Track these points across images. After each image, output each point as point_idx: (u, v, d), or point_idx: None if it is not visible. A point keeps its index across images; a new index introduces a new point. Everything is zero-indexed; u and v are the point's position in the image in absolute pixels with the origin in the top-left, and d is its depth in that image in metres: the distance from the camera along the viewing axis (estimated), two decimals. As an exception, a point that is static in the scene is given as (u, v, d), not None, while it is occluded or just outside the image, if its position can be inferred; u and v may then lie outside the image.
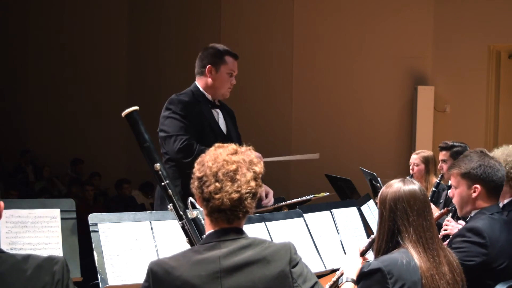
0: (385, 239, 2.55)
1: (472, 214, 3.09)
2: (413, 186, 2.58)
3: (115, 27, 11.08)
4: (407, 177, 2.69)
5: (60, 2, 11.21)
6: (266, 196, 3.94)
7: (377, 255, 2.58)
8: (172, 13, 10.60)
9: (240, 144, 3.93)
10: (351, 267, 2.67)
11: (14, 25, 11.32)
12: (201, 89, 3.97)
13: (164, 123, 3.85)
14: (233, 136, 4.00)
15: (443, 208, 4.67)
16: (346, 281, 2.62)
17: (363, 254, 2.74)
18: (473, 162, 3.06)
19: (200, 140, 3.75)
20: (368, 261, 2.64)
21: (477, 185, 3.03)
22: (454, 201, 3.18)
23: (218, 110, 4.02)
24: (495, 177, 3.03)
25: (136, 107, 2.70)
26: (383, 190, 2.62)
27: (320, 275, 3.29)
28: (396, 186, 2.59)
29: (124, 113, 2.67)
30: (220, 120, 4.01)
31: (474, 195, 3.04)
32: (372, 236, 2.74)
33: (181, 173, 3.73)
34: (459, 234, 2.99)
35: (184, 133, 3.76)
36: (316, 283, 2.12)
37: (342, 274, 2.70)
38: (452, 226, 3.64)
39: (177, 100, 3.89)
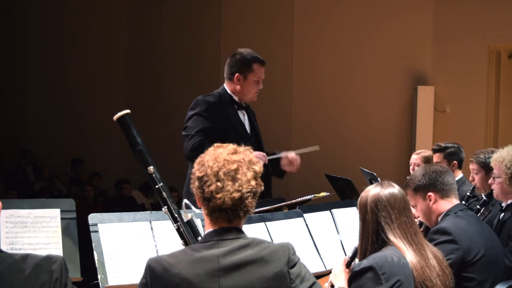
0: (370, 241, 2.60)
1: (439, 220, 3.14)
2: (392, 188, 2.66)
3: (115, 27, 11.07)
4: (385, 181, 2.73)
5: (61, 2, 11.21)
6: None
7: (362, 258, 2.60)
8: (172, 13, 10.59)
9: (262, 145, 4.09)
10: (338, 277, 2.68)
11: (14, 25, 11.32)
12: (229, 91, 4.16)
13: (187, 122, 4.04)
14: (257, 137, 4.23)
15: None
16: None
17: (348, 265, 2.75)
18: (417, 176, 3.18)
19: (223, 140, 3.78)
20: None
21: (430, 193, 3.12)
22: (421, 219, 3.24)
23: (244, 112, 4.22)
24: (440, 178, 3.13)
25: (128, 111, 2.68)
26: (362, 195, 2.68)
27: (320, 275, 3.29)
28: (374, 189, 2.66)
29: (115, 117, 2.66)
30: (245, 121, 4.20)
31: (431, 203, 3.13)
32: (355, 246, 2.77)
33: None
34: (428, 239, 3.03)
35: (201, 133, 3.93)
36: (314, 283, 2.12)
37: (332, 286, 2.71)
38: None
39: (203, 100, 4.07)
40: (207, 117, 3.98)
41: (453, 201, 3.14)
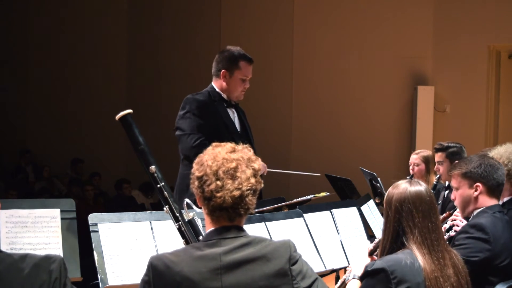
0: (390, 240, 2.56)
1: (475, 213, 3.12)
2: (420, 187, 2.58)
3: (115, 27, 11.07)
4: (414, 179, 2.69)
5: (61, 2, 11.21)
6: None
7: (381, 255, 2.58)
8: (172, 13, 10.59)
9: (253, 143, 4.05)
10: (358, 265, 2.70)
11: (15, 25, 11.32)
12: (217, 89, 4.12)
13: (179, 122, 4.01)
14: (247, 135, 4.17)
15: (441, 208, 4.69)
16: (353, 278, 2.64)
17: (371, 253, 2.75)
18: (473, 162, 3.13)
19: (215, 138, 3.78)
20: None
21: (479, 184, 3.09)
22: (456, 202, 3.21)
23: (234, 110, 4.18)
24: (495, 175, 3.09)
25: (130, 110, 2.69)
26: (390, 191, 2.63)
27: (320, 275, 3.29)
28: (402, 187, 2.59)
29: (118, 117, 2.66)
30: (235, 119, 4.16)
31: (475, 193, 3.09)
32: (380, 237, 2.75)
33: None
34: (463, 231, 3.03)
35: (198, 131, 3.91)
36: (316, 280, 2.13)
37: (350, 272, 2.72)
38: (460, 219, 3.66)
39: (192, 99, 4.04)
40: (198, 116, 3.95)
41: (495, 200, 3.12)
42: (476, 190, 3.09)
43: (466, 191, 3.12)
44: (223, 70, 4.06)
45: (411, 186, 2.58)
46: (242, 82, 4.09)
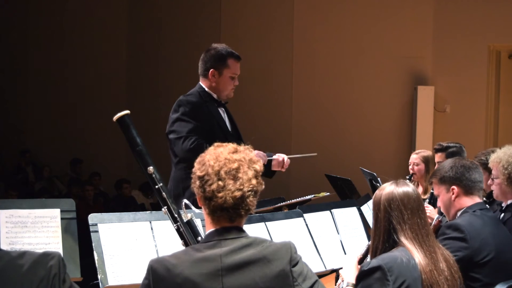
0: (382, 240, 2.59)
1: (458, 215, 3.16)
2: (406, 187, 2.64)
3: (115, 27, 11.07)
4: (400, 179, 2.72)
5: (61, 2, 11.21)
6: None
7: (373, 256, 2.59)
8: (172, 13, 10.59)
9: (243, 143, 4.02)
10: (349, 273, 2.69)
11: (14, 25, 11.31)
12: (206, 89, 4.04)
13: (174, 125, 3.93)
14: (238, 135, 4.12)
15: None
16: (347, 286, 2.63)
17: (361, 262, 2.75)
18: (445, 167, 3.20)
19: (210, 139, 3.77)
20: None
21: (454, 186, 3.15)
22: (442, 210, 3.27)
23: (223, 109, 4.11)
24: (467, 174, 3.14)
25: (127, 111, 2.68)
26: (377, 193, 2.67)
27: (320, 275, 3.29)
28: (389, 188, 2.64)
29: (115, 118, 2.65)
30: (225, 118, 4.10)
31: (453, 196, 3.15)
32: (368, 243, 2.76)
33: None
34: (441, 232, 3.08)
35: (194, 133, 3.82)
36: (316, 281, 2.13)
37: (342, 281, 2.72)
38: (430, 210, 3.87)
39: (186, 101, 3.95)
40: (193, 118, 3.87)
41: (475, 199, 3.15)
42: (452, 193, 3.14)
43: (445, 196, 3.18)
44: (211, 70, 3.97)
45: (398, 186, 2.63)
46: (232, 80, 4.01)
